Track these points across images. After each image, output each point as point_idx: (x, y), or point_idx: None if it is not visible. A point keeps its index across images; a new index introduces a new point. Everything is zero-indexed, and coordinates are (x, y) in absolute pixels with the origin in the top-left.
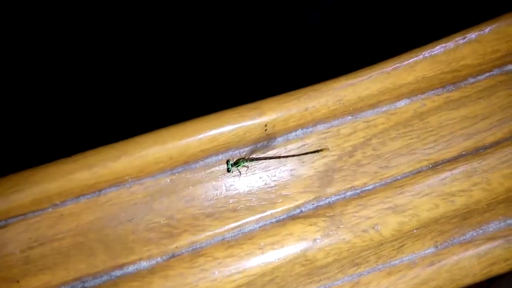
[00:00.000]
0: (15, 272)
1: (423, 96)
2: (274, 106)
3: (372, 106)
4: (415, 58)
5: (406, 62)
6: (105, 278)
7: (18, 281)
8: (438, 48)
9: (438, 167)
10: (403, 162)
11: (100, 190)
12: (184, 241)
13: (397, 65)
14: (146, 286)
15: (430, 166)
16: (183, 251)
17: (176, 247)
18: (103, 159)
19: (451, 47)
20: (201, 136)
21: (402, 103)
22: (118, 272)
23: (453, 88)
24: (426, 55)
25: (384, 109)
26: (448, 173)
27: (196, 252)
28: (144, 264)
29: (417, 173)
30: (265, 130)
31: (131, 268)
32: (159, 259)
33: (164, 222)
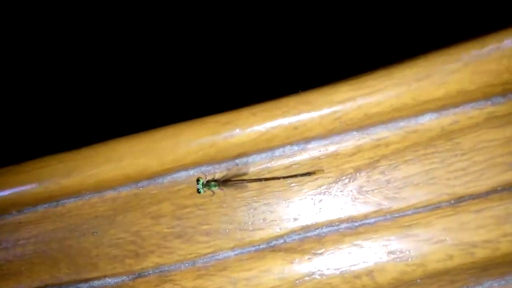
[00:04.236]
0: None
1: (456, 110)
2: (252, 122)
3: (385, 121)
4: (449, 65)
5: (435, 71)
6: None
7: None
8: (484, 51)
9: (462, 204)
10: (417, 193)
11: (57, 201)
12: (150, 263)
13: (421, 74)
14: None
15: (452, 202)
16: (150, 272)
17: (142, 268)
18: (52, 175)
19: (505, 48)
20: (161, 154)
21: (426, 118)
22: (84, 285)
23: (502, 101)
24: (465, 60)
25: (401, 124)
26: (473, 215)
27: (164, 276)
28: (109, 280)
29: (433, 210)
30: (236, 165)
31: (96, 283)
32: (125, 277)
33: (130, 239)
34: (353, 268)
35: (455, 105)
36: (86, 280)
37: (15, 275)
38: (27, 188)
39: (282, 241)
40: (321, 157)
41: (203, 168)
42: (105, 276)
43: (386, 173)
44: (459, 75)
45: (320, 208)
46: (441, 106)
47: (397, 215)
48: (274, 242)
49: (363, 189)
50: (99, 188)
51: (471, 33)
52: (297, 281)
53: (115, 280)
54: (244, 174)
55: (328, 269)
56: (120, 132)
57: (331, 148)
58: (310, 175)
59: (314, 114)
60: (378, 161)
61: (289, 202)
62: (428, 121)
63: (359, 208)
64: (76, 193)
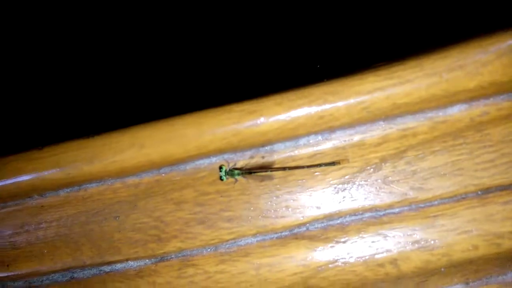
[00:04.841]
0: (5, 256)
1: (487, 101)
2: (278, 111)
3: (413, 112)
4: (483, 56)
5: (468, 62)
6: (94, 271)
7: (8, 265)
8: None
9: (489, 195)
10: (443, 184)
11: (79, 185)
12: (173, 248)
13: (454, 64)
14: None
15: (479, 193)
16: (172, 257)
17: (164, 252)
18: (74, 161)
19: None
20: (185, 141)
21: (455, 109)
22: (106, 268)
23: None
24: (499, 51)
25: (429, 115)
26: (499, 207)
27: (186, 260)
28: (132, 263)
29: (459, 201)
30: (260, 154)
31: (118, 266)
32: (147, 261)
33: (152, 224)
34: (376, 257)
35: (486, 96)
36: (109, 263)
37: (37, 258)
38: (49, 173)
39: (305, 229)
40: (346, 147)
41: (226, 156)
42: (127, 260)
43: (413, 163)
44: (492, 66)
45: (343, 197)
46: (471, 97)
47: (422, 206)
48: (296, 230)
49: (388, 179)
50: (121, 174)
51: (506, 24)
52: (319, 268)
53: (138, 264)
54: (268, 162)
55: (351, 257)
56: (144, 118)
57: (357, 138)
58: (334, 165)
59: (341, 104)
60: (404, 151)
61: (312, 191)
62: (458, 112)
63: (383, 198)
64: (98, 179)
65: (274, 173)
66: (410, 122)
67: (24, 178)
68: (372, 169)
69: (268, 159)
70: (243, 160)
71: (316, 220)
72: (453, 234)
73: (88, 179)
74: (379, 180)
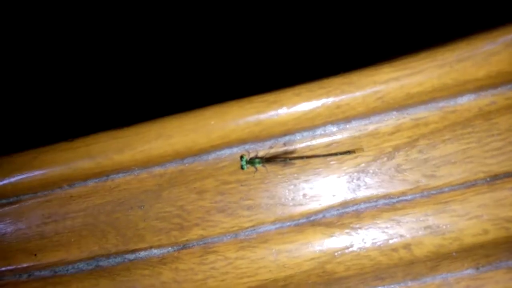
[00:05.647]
0: (33, 246)
1: (495, 91)
2: (298, 100)
3: (425, 102)
4: (490, 47)
5: (477, 52)
6: (118, 259)
7: (35, 255)
8: None
9: (498, 182)
10: (454, 171)
11: (107, 176)
12: (194, 235)
13: (463, 55)
14: (156, 276)
15: (488, 179)
16: (194, 244)
17: (186, 240)
18: (105, 150)
19: None
20: (209, 131)
21: (464, 99)
22: (131, 256)
23: None
24: (506, 42)
25: (440, 105)
26: (507, 192)
27: (207, 247)
28: (155, 251)
29: (469, 187)
30: (279, 143)
31: (142, 254)
32: (170, 248)
33: (175, 213)
34: (390, 242)
35: (493, 86)
36: (133, 251)
37: (64, 247)
38: (80, 163)
39: (321, 216)
40: (361, 136)
41: (247, 146)
42: (151, 247)
43: (424, 152)
44: (499, 56)
45: (358, 185)
46: (479, 87)
47: (434, 192)
48: (313, 217)
49: (401, 167)
50: (148, 163)
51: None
52: (336, 253)
53: (161, 251)
54: (286, 151)
55: (366, 242)
56: (170, 110)
57: (371, 127)
58: (350, 154)
59: (358, 94)
60: (417, 140)
61: (328, 179)
62: (467, 102)
63: (396, 185)
64: (126, 169)
65: (292, 162)
66: (422, 112)
67: (56, 168)
68: (385, 158)
69: (286, 148)
70: (263, 150)
71: (332, 207)
72: (464, 219)
73: (116, 169)
74: (392, 168)
